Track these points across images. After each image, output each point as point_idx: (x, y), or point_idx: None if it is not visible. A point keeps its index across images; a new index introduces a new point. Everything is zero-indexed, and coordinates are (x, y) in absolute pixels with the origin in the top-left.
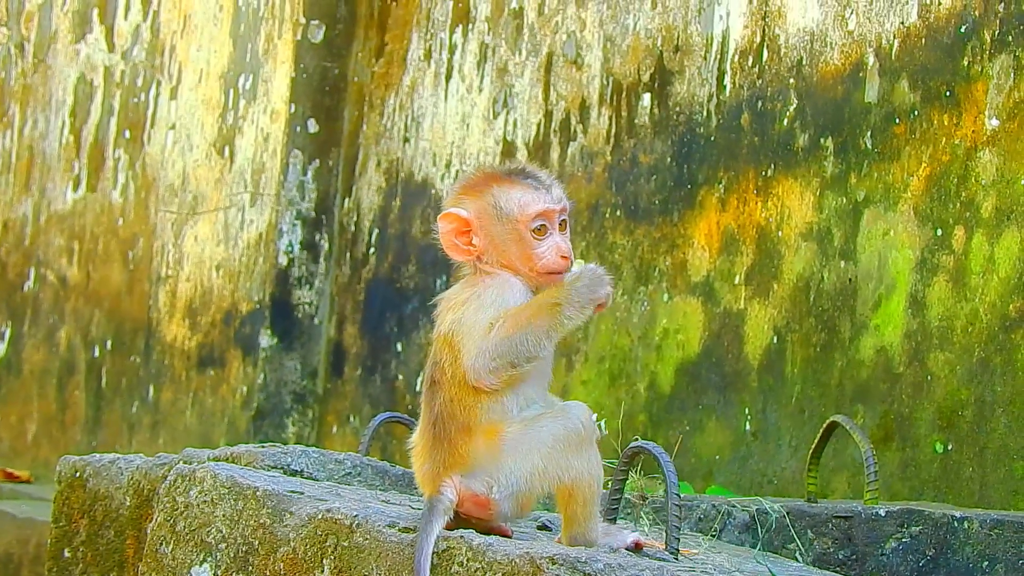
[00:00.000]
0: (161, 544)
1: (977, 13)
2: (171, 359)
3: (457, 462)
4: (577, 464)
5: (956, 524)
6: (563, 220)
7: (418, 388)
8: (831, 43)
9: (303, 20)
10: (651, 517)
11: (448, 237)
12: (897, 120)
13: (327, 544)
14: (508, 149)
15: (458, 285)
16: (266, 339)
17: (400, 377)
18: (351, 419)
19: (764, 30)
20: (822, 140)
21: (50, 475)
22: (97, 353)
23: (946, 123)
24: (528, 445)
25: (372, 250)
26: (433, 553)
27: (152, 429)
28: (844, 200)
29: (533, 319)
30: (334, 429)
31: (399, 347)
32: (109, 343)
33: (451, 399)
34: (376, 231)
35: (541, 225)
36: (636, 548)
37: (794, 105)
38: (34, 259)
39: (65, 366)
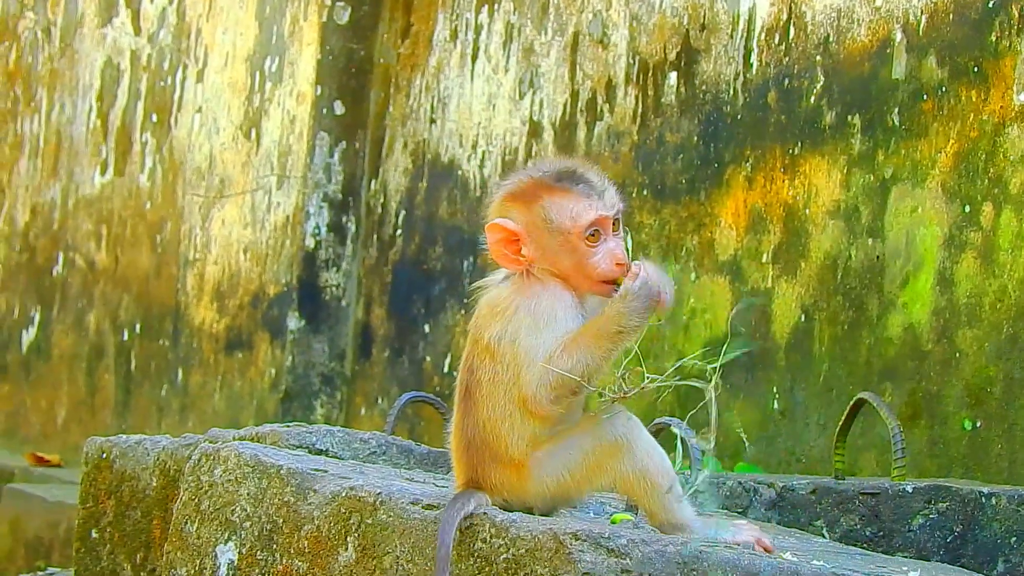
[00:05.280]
0: (186, 523)
1: None
2: (199, 342)
3: (488, 487)
4: (617, 468)
5: (984, 500)
6: (616, 221)
7: (446, 369)
8: (858, 20)
9: (328, 2)
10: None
11: (497, 248)
12: (925, 97)
13: (351, 522)
14: (534, 129)
15: (506, 287)
16: (294, 321)
17: (428, 358)
18: (379, 400)
19: (791, 7)
20: (849, 117)
21: (80, 459)
22: (126, 337)
23: (974, 99)
24: (560, 463)
25: (399, 232)
26: (456, 529)
27: (181, 412)
28: (871, 177)
29: (594, 347)
30: (362, 410)
31: (427, 328)
32: (138, 327)
33: (484, 423)
34: (403, 213)
35: (594, 232)
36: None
37: (821, 82)
38: (62, 244)
39: (94, 350)
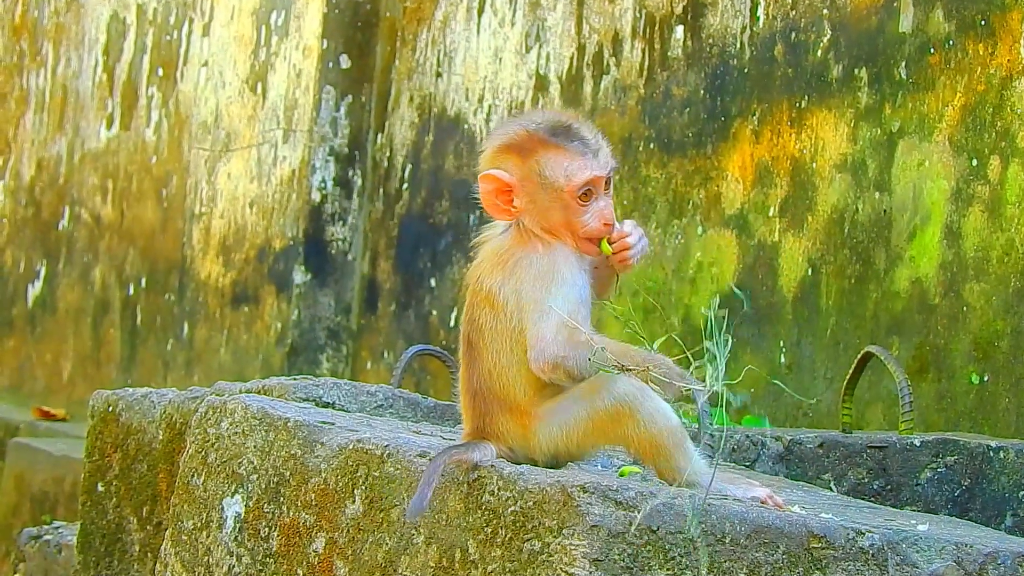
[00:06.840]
0: (193, 476)
1: None
2: (205, 296)
3: (494, 435)
4: (620, 431)
5: (992, 454)
6: (608, 180)
7: (452, 323)
8: None
9: None
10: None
11: (489, 197)
12: (932, 50)
13: (358, 474)
14: (541, 83)
15: (505, 239)
16: (300, 275)
17: (434, 312)
18: (385, 355)
19: None
20: (856, 71)
21: (85, 413)
22: (131, 291)
23: (981, 53)
24: (561, 423)
25: (405, 186)
26: (464, 483)
27: (187, 367)
28: (878, 131)
29: (622, 355)
30: (368, 365)
31: (433, 282)
32: (143, 281)
33: (489, 371)
34: (409, 167)
35: (587, 191)
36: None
37: (828, 36)
38: (68, 198)
39: (100, 305)
